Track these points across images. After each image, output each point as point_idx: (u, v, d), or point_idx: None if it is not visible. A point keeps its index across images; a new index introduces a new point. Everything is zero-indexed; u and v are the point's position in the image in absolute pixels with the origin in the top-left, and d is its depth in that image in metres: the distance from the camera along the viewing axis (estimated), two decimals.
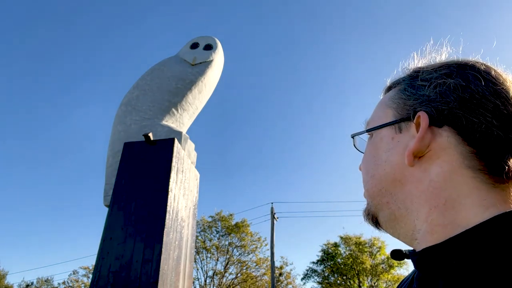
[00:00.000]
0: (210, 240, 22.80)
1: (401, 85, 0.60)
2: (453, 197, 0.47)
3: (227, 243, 22.83)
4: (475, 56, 0.56)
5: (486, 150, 0.47)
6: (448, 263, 0.43)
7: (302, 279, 27.78)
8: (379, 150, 0.58)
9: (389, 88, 0.65)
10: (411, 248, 0.57)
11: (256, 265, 23.15)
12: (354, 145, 0.67)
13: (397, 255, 0.59)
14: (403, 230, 0.54)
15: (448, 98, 0.50)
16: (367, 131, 0.62)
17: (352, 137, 0.66)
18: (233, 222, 23.11)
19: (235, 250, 22.83)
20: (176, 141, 3.34)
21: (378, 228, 0.60)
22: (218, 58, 4.91)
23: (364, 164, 0.61)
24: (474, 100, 0.49)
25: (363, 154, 0.64)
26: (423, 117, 0.50)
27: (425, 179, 0.50)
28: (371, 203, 0.59)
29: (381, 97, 0.66)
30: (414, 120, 0.52)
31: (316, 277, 27.12)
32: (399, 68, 0.64)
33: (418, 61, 0.61)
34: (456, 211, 0.46)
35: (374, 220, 0.59)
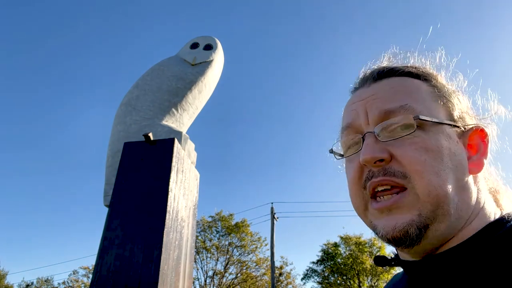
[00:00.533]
0: (210, 240, 22.78)
1: (437, 83, 0.58)
2: (485, 204, 0.53)
3: (227, 243, 22.81)
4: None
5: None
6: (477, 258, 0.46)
7: (302, 279, 27.79)
8: (449, 150, 0.51)
9: (403, 73, 0.59)
10: (393, 255, 0.59)
11: (256, 265, 23.13)
12: (372, 131, 0.54)
13: (382, 261, 0.58)
14: (441, 242, 0.50)
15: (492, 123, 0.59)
16: (437, 122, 0.52)
17: (418, 119, 0.51)
18: (233, 222, 23.09)
19: (235, 250, 22.81)
20: (176, 141, 3.33)
21: (410, 247, 0.49)
22: (218, 58, 4.91)
23: (428, 161, 0.49)
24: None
25: (403, 140, 0.51)
26: (486, 133, 0.57)
27: (474, 187, 0.53)
28: (432, 213, 0.48)
29: (395, 79, 0.58)
30: (471, 132, 0.56)
31: (316, 277, 27.12)
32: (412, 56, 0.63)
33: (440, 59, 0.61)
34: (484, 216, 0.52)
35: (419, 235, 0.48)
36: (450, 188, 0.49)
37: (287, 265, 25.32)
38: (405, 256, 0.54)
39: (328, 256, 26.70)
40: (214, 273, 22.14)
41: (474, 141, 0.55)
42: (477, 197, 0.52)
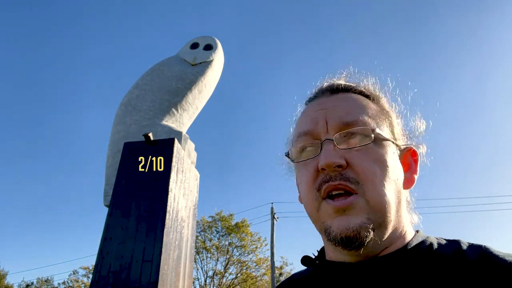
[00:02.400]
0: (210, 240, 22.76)
1: (382, 104, 0.65)
2: (409, 217, 0.61)
3: (227, 243, 22.79)
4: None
5: None
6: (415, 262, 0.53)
7: None
8: (394, 164, 0.58)
9: (357, 91, 0.65)
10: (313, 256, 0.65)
11: (256, 265, 23.11)
12: (331, 138, 0.57)
13: (308, 261, 0.64)
14: (381, 247, 0.55)
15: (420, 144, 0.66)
16: (385, 139, 0.58)
17: (375, 132, 0.57)
18: (233, 222, 23.07)
19: (235, 250, 22.79)
20: (176, 141, 3.33)
21: (358, 249, 0.53)
22: (218, 58, 4.91)
23: (378, 172, 0.54)
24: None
25: (358, 150, 0.56)
26: (417, 153, 0.64)
27: (406, 203, 0.60)
28: (378, 219, 0.53)
29: (352, 95, 0.64)
30: (405, 150, 0.63)
31: None
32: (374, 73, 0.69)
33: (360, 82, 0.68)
34: (409, 229, 0.60)
35: (367, 238, 0.52)
36: (392, 199, 0.55)
37: (287, 265, 25.32)
38: (340, 258, 0.58)
39: None
40: (214, 273, 22.13)
41: (407, 160, 0.63)
42: (406, 212, 0.60)
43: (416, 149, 0.64)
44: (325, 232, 0.55)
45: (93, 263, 5.07)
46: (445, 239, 0.58)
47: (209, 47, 4.89)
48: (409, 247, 0.55)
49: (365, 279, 0.53)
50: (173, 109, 4.23)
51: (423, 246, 0.55)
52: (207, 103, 4.82)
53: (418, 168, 0.63)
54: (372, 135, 0.56)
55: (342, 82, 0.67)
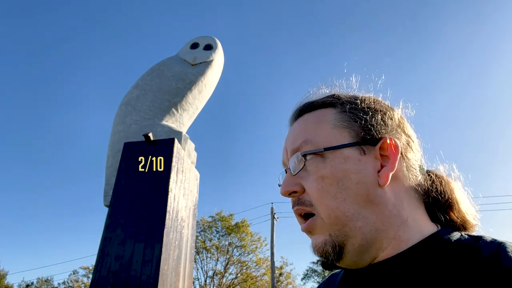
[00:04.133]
0: (210, 240, 22.77)
1: (343, 107, 0.62)
2: (411, 214, 0.57)
3: (227, 243, 22.81)
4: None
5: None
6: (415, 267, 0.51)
7: (302, 279, 27.87)
8: (346, 171, 0.56)
9: (315, 107, 0.64)
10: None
11: (256, 265, 23.13)
12: (289, 167, 0.61)
13: (329, 264, 0.63)
14: (370, 254, 0.55)
15: (404, 130, 0.62)
16: (328, 148, 0.58)
17: (303, 156, 0.58)
18: (233, 222, 23.09)
19: (235, 250, 22.81)
20: (176, 141, 3.33)
21: (337, 261, 0.55)
22: (218, 58, 4.91)
23: (324, 188, 0.56)
24: (411, 138, 0.63)
25: (307, 171, 0.58)
26: (395, 143, 0.59)
27: (392, 198, 0.56)
28: (340, 232, 0.54)
29: (306, 116, 0.64)
30: (379, 144, 0.59)
31: (316, 277, 27.16)
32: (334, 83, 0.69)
33: (333, 89, 0.68)
34: (413, 226, 0.56)
35: (338, 251, 0.54)
36: (350, 206, 0.54)
37: (287, 265, 25.34)
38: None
39: None
40: (214, 273, 22.14)
41: (387, 152, 0.59)
42: (398, 208, 0.56)
43: (392, 140, 0.59)
44: None
45: (93, 263, 5.07)
46: (468, 235, 0.54)
47: (209, 47, 4.90)
48: (411, 249, 0.53)
49: (366, 284, 0.55)
50: (173, 109, 4.23)
51: (435, 246, 0.52)
52: (207, 103, 4.82)
53: (396, 161, 0.58)
54: (307, 156, 0.58)
55: (306, 100, 0.68)
